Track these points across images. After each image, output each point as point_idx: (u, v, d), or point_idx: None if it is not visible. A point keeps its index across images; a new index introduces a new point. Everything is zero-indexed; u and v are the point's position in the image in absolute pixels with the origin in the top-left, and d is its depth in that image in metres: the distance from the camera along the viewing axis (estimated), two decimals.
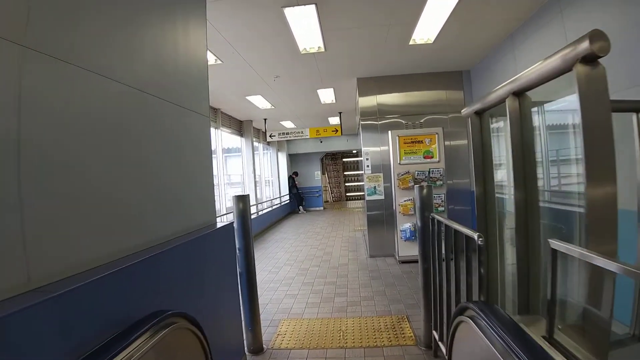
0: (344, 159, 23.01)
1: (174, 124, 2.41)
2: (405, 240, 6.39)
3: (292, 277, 5.81)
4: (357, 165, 22.90)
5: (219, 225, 3.08)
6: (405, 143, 6.49)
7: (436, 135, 6.47)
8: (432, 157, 6.50)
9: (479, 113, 2.45)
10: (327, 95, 8.18)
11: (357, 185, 23.16)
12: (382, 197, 6.69)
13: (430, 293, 3.05)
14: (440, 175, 6.40)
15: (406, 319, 3.90)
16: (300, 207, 16.11)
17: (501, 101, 2.15)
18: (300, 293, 5.00)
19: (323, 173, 20.40)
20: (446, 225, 2.59)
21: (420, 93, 6.90)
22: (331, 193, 23.00)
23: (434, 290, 2.96)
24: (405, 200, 6.39)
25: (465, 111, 2.63)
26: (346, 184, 23.53)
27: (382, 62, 6.09)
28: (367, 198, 6.72)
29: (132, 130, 1.91)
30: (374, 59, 5.90)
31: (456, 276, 2.49)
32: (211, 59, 5.33)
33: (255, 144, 12.89)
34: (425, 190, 3.10)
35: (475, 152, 2.47)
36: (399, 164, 6.41)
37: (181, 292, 2.18)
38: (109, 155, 1.69)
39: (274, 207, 13.20)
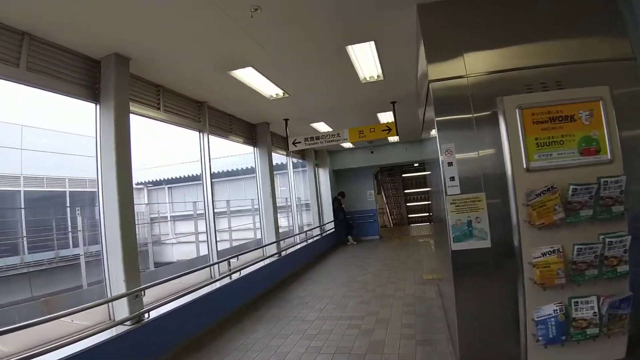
0: (403, 175, 19.33)
1: None
2: (544, 344, 2.82)
3: None
4: (421, 182, 19.01)
5: None
6: (538, 123, 2.95)
7: (600, 102, 2.90)
8: (597, 152, 2.91)
9: None
10: (365, 60, 4.82)
11: (422, 205, 19.23)
12: (488, 242, 3.10)
13: None
14: (621, 191, 2.78)
15: None
16: (349, 237, 12.65)
17: None
18: None
19: (378, 192, 16.86)
20: None
21: (546, 46, 3.31)
22: (390, 215, 19.33)
23: None
24: (545, 254, 2.82)
25: None
26: (407, 204, 19.75)
27: None
28: (454, 246, 3.17)
29: None
30: None
31: None
32: None
33: (281, 157, 9.83)
34: None
35: None
36: (527, 169, 2.87)
37: None
38: None
39: (309, 241, 9.89)
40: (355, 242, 12.55)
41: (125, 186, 3.80)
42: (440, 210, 3.82)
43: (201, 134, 5.77)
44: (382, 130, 6.90)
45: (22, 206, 12.72)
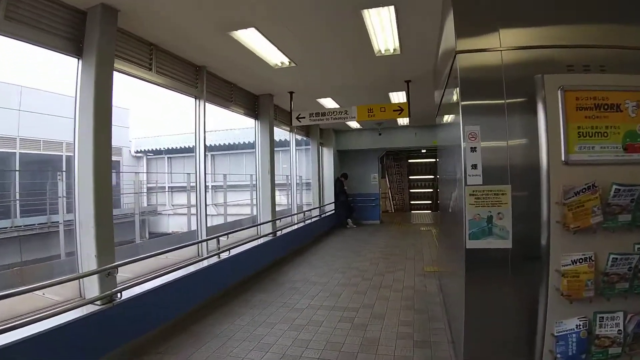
0: (409, 160, 18.85)
1: None
2: None
3: None
4: (427, 169, 18.56)
5: None
6: (582, 109, 2.51)
7: None
8: None
9: None
10: (382, 29, 4.32)
11: (426, 192, 18.84)
12: (509, 243, 2.69)
13: None
14: None
15: None
16: (349, 220, 12.30)
17: None
18: None
19: (382, 176, 16.42)
20: None
21: (592, 28, 2.82)
22: (392, 200, 18.96)
23: None
24: (575, 261, 2.43)
25: None
26: (411, 191, 19.35)
27: None
28: (470, 243, 2.76)
29: None
30: None
31: None
32: None
33: (285, 134, 9.41)
34: None
35: None
36: (566, 162, 2.44)
37: None
38: None
39: (307, 222, 9.54)
40: (355, 226, 12.20)
41: (103, 151, 3.39)
42: (455, 201, 3.42)
43: (197, 101, 5.32)
44: (394, 111, 6.42)
45: (17, 168, 12.37)
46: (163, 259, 4.93)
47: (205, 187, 5.30)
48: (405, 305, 4.61)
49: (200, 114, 5.30)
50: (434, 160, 18.18)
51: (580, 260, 2.42)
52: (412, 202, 19.28)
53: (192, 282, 4.50)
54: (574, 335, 2.47)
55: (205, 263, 4.93)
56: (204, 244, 5.21)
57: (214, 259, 5.11)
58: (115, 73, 3.72)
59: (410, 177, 19.15)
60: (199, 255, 5.20)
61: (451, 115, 3.55)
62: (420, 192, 19.18)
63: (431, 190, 18.87)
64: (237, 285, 5.48)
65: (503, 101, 2.77)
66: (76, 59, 3.53)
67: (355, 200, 12.97)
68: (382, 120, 10.29)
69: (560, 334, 2.48)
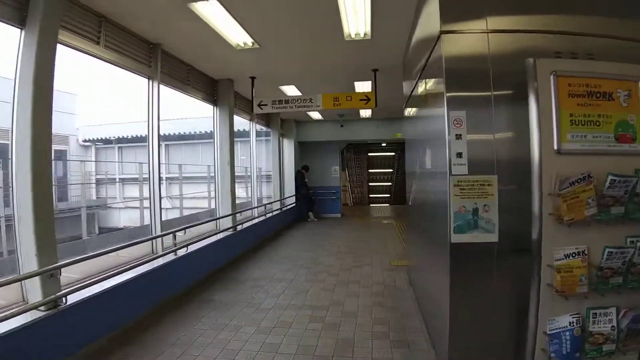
0: (369, 154, 18.90)
1: None
2: None
3: None
4: (387, 162, 18.70)
5: None
6: (574, 96, 2.39)
7: (639, 83, 2.41)
8: (632, 140, 2.41)
9: None
10: (354, 6, 4.04)
11: (384, 186, 19.02)
12: (495, 236, 2.54)
13: None
14: None
15: None
16: (310, 214, 12.05)
17: None
18: None
19: (343, 169, 16.33)
20: None
21: (583, 19, 2.73)
22: (351, 194, 18.98)
23: None
24: (569, 255, 2.31)
25: None
26: (370, 184, 19.47)
27: None
28: (455, 237, 2.58)
29: None
30: None
31: None
32: None
33: (244, 124, 8.96)
34: None
35: None
36: (559, 151, 2.31)
37: None
38: None
39: (267, 215, 9.18)
40: (316, 219, 11.97)
41: (42, 134, 2.92)
42: (430, 194, 3.27)
43: (150, 82, 4.81)
44: (360, 100, 6.22)
45: None
46: (114, 257, 4.45)
47: (160, 178, 4.82)
48: (376, 301, 4.43)
49: (153, 96, 4.79)
50: (393, 154, 18.37)
51: (574, 255, 2.31)
52: (371, 195, 19.41)
53: (146, 282, 4.06)
54: (567, 333, 2.37)
55: (160, 261, 4.48)
56: (159, 240, 4.75)
57: (170, 257, 4.68)
58: (59, 46, 3.26)
59: (370, 170, 19.24)
60: (153, 252, 4.74)
61: (428, 105, 3.38)
62: (380, 185, 19.34)
63: (390, 183, 19.07)
64: (197, 284, 5.07)
65: (490, 93, 2.61)
66: (19, 30, 3.04)
67: (316, 193, 12.74)
68: (345, 112, 10.11)
69: (553, 331, 2.37)
